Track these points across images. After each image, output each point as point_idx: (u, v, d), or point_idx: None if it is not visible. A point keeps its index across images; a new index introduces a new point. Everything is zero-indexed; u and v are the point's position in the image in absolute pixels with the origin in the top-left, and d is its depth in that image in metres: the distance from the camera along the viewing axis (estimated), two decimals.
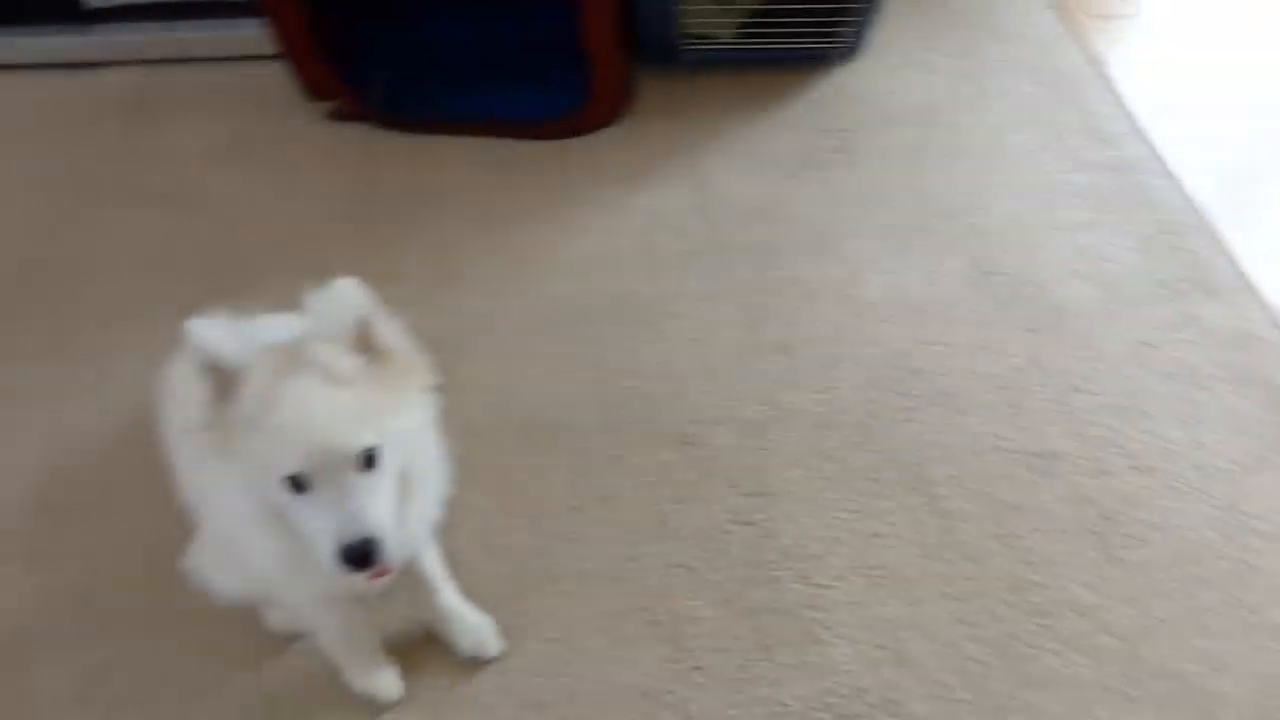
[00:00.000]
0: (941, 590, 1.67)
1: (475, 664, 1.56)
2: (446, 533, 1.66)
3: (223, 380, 1.06)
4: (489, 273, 2.10)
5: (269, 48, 2.43)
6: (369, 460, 1.07)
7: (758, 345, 2.00)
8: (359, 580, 1.11)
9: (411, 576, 1.51)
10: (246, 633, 1.58)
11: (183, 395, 1.33)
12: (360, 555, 1.06)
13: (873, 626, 1.62)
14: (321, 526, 1.06)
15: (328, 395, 1.06)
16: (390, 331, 1.17)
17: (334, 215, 2.19)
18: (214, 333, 1.06)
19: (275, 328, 1.34)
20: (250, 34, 2.43)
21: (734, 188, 2.29)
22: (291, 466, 1.04)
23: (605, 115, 2.38)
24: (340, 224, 2.17)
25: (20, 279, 2.03)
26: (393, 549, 1.08)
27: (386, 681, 1.52)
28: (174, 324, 1.95)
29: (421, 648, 1.57)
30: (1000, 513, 1.76)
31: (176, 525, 1.65)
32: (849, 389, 1.93)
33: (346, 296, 1.12)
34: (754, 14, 2.46)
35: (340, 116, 2.35)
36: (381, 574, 1.11)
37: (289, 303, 2.03)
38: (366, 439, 1.07)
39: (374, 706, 1.51)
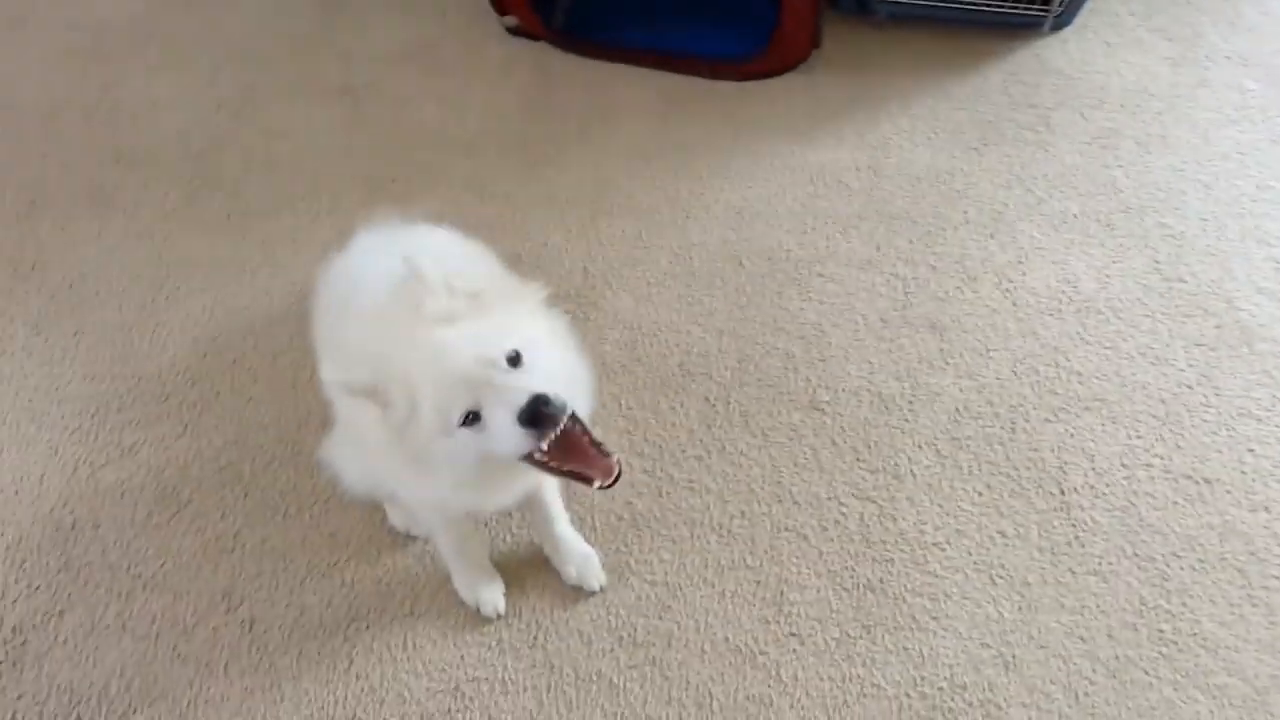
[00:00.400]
0: (1060, 600, 1.59)
1: (578, 594, 1.59)
2: None
3: (377, 395, 1.16)
4: (644, 209, 2.08)
5: None
6: (515, 362, 1.14)
7: (907, 320, 1.92)
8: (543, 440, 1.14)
9: (531, 502, 1.54)
10: (368, 526, 1.66)
11: (336, 292, 1.40)
12: (535, 413, 1.10)
13: (982, 625, 1.57)
14: (498, 423, 1.12)
15: (457, 334, 1.15)
16: (487, 268, 1.29)
17: (500, 130, 2.20)
18: (349, 371, 1.17)
19: (429, 245, 1.41)
20: None
21: (910, 153, 2.19)
22: (462, 403, 1.12)
23: (787, 62, 2.30)
24: (504, 139, 2.19)
25: (203, 157, 2.13)
26: (562, 398, 1.13)
27: (492, 596, 1.57)
28: (337, 218, 2.06)
29: (531, 571, 1.61)
30: (1138, 532, 1.66)
31: (318, 414, 1.74)
32: (996, 379, 1.84)
33: (420, 272, 1.20)
34: None
35: (519, 33, 2.35)
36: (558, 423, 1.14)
37: (447, 211, 2.09)
38: (507, 343, 1.14)
39: (477, 617, 1.56)
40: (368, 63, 2.31)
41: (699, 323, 1.91)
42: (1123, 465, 1.73)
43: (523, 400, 1.10)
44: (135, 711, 1.48)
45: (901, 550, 1.64)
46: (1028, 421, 1.79)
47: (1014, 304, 1.95)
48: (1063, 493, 1.71)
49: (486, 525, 1.65)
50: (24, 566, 1.61)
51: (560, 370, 1.20)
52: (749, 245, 2.03)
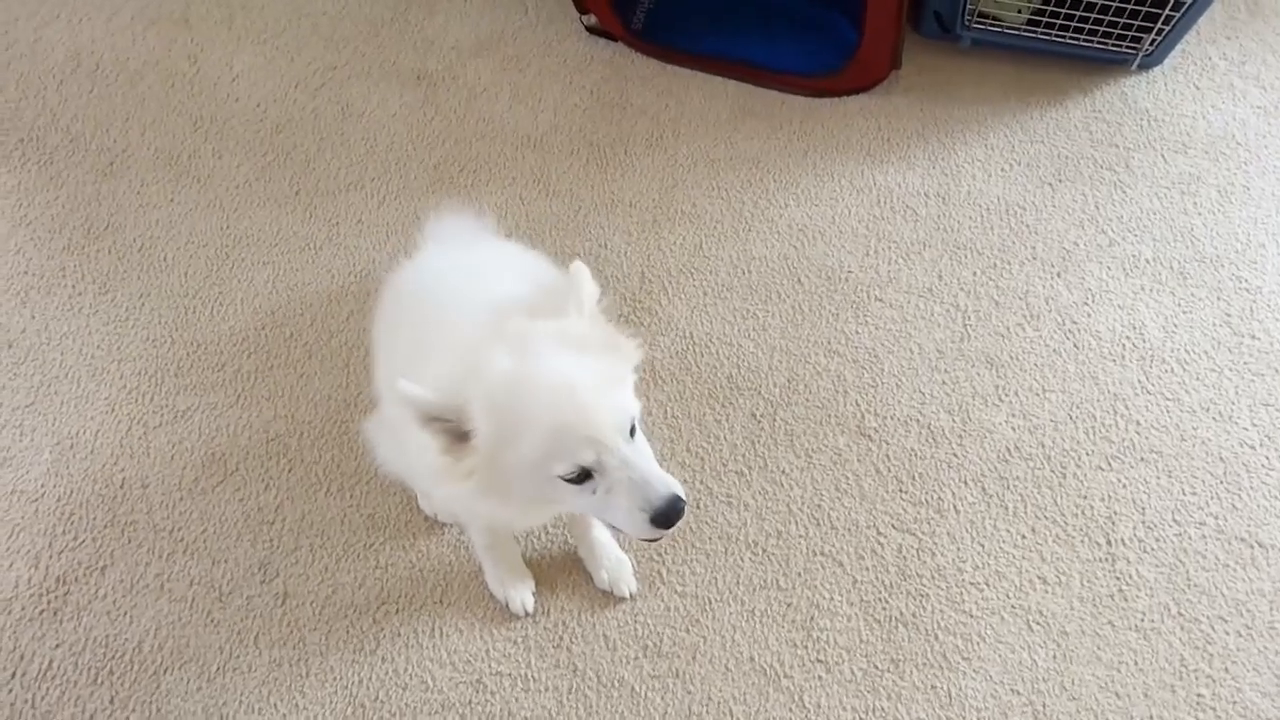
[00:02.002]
0: (1098, 653, 1.55)
1: (608, 599, 1.59)
2: None
3: (449, 426, 1.10)
4: (707, 218, 2.07)
5: None
6: (631, 428, 1.13)
7: (964, 353, 1.89)
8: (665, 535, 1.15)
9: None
10: (405, 511, 1.67)
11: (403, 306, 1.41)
12: (671, 514, 1.11)
13: (1014, 670, 1.54)
14: (625, 504, 1.11)
15: (590, 375, 1.09)
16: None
17: (570, 127, 2.21)
18: (422, 392, 1.07)
19: (502, 262, 1.41)
20: None
21: (982, 183, 2.15)
22: (582, 462, 1.09)
23: (864, 81, 2.27)
24: (573, 137, 2.19)
25: (277, 132, 2.17)
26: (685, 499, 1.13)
27: (521, 593, 1.57)
28: (404, 202, 2.07)
29: (562, 572, 1.62)
30: (1185, 592, 1.61)
31: (367, 395, 1.76)
32: (1051, 421, 1.81)
33: (585, 282, 1.17)
34: (1051, 2, 2.27)
35: (597, 32, 2.35)
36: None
37: (511, 205, 2.10)
38: (632, 408, 1.13)
39: (505, 612, 1.57)
40: (446, 51, 2.33)
41: (752, 337, 1.90)
42: (1174, 521, 1.69)
43: (660, 500, 1.10)
44: (166, 672, 1.51)
45: (938, 587, 1.62)
46: (1079, 467, 1.75)
47: (1076, 346, 1.91)
48: (1109, 544, 1.67)
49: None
50: (72, 519, 1.65)
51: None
52: (809, 264, 2.01)
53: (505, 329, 1.13)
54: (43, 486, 1.68)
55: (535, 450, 1.07)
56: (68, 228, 2.00)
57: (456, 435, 1.10)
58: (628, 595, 1.59)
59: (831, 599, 1.60)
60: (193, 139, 2.15)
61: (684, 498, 1.12)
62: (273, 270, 1.95)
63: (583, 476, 1.10)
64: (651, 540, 1.17)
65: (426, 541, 1.64)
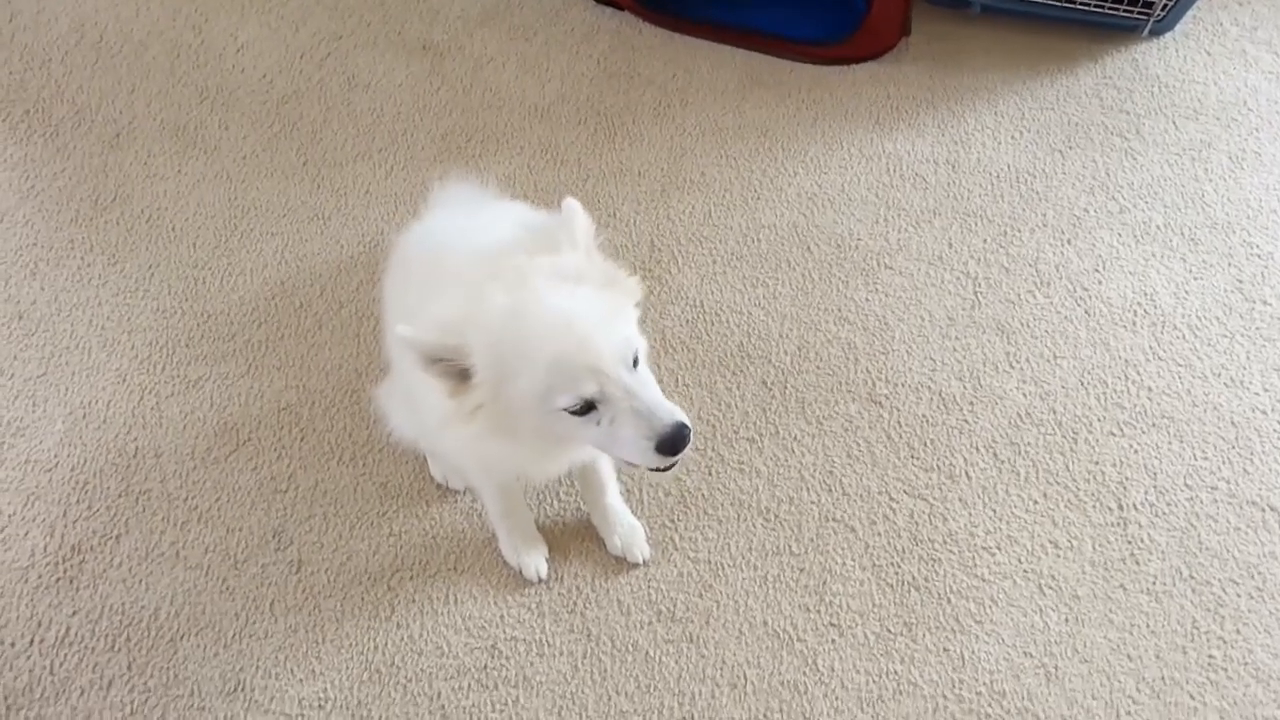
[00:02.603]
0: (1109, 616, 1.56)
1: (621, 565, 1.59)
2: None
3: (450, 367, 1.11)
4: (716, 187, 2.06)
5: None
6: (635, 362, 1.13)
7: (975, 320, 1.89)
8: (671, 464, 1.15)
9: (582, 471, 1.54)
10: (418, 479, 1.67)
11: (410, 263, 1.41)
12: (677, 440, 1.10)
13: (1026, 633, 1.54)
14: (630, 434, 1.11)
15: (588, 306, 1.10)
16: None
17: (577, 98, 2.20)
18: (429, 330, 1.10)
19: (518, 219, 1.39)
20: None
21: (992, 150, 2.14)
22: (584, 393, 1.09)
23: (874, 49, 2.26)
24: (581, 107, 2.18)
25: (284, 103, 2.16)
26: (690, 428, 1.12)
27: (535, 559, 1.58)
28: (411, 172, 2.07)
29: (575, 538, 1.62)
30: (1196, 555, 1.62)
31: (377, 364, 1.76)
32: (1062, 387, 1.81)
33: (577, 216, 1.18)
34: None
35: (604, 1, 2.34)
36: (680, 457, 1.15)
37: (519, 175, 2.09)
38: (635, 340, 1.13)
39: (519, 578, 1.58)
40: (452, 21, 2.32)
41: (762, 305, 1.90)
42: (1186, 486, 1.69)
43: (665, 427, 1.10)
44: (183, 638, 1.51)
45: (950, 551, 1.62)
46: (1090, 433, 1.75)
47: (1087, 313, 1.90)
48: (1121, 508, 1.67)
49: (534, 491, 1.66)
50: (86, 488, 1.65)
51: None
52: (819, 232, 2.00)
53: (501, 267, 1.14)
54: (56, 456, 1.69)
55: (537, 383, 1.08)
56: (75, 199, 2.00)
57: (459, 375, 1.11)
58: (640, 561, 1.59)
59: (844, 564, 1.61)
60: (199, 110, 2.14)
61: (689, 425, 1.12)
62: (281, 241, 1.95)
63: (587, 408, 1.10)
64: (661, 470, 1.16)
65: (440, 509, 1.65)
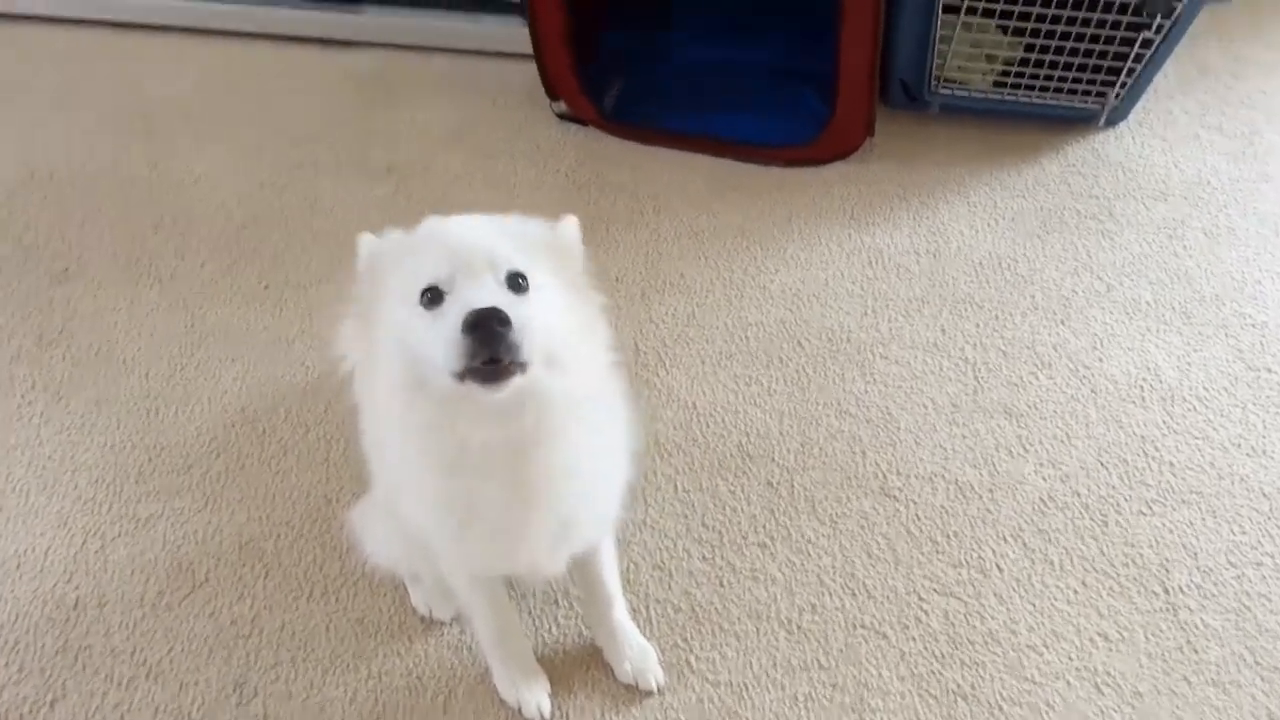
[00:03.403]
0: (1178, 714, 1.41)
1: (633, 695, 1.41)
2: (618, 549, 1.56)
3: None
4: (696, 288, 2.00)
5: (508, 45, 2.48)
6: (516, 284, 0.96)
7: (979, 405, 1.80)
8: (483, 385, 0.92)
9: (585, 580, 1.39)
10: (399, 611, 1.50)
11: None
12: (481, 323, 0.88)
13: None
14: (450, 320, 0.91)
15: (489, 221, 1.02)
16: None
17: (548, 210, 2.09)
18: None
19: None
20: (491, 30, 2.48)
21: (970, 239, 2.12)
22: (433, 272, 0.94)
23: (839, 149, 2.26)
24: (552, 219, 2.12)
25: (244, 229, 2.07)
26: (523, 348, 0.91)
27: (535, 695, 1.39)
28: None
29: (578, 667, 1.45)
30: (1256, 637, 1.48)
31: (347, 489, 1.62)
32: (1081, 468, 1.71)
33: (571, 231, 1.10)
34: (1015, 64, 2.30)
35: (568, 118, 2.33)
36: (505, 374, 0.91)
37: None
38: (516, 260, 0.97)
39: (518, 718, 1.39)
40: (414, 143, 2.28)
41: (758, 403, 1.79)
42: (1230, 564, 1.58)
43: (480, 303, 0.90)
44: None
45: (993, 653, 1.47)
46: (1119, 514, 1.64)
47: (1093, 391, 1.83)
48: (1167, 592, 1.55)
49: (529, 612, 1.49)
50: (16, 648, 1.45)
51: (565, 349, 0.99)
52: (807, 326, 1.93)
53: None
54: None
55: (404, 269, 0.97)
56: (16, 336, 1.86)
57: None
58: (654, 688, 1.42)
59: (880, 675, 1.45)
60: (153, 240, 2.04)
61: (514, 324, 0.89)
62: (242, 366, 1.82)
63: (435, 298, 0.94)
64: (463, 373, 0.91)
65: (424, 643, 1.47)
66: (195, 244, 2.04)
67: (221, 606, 1.50)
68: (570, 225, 1.10)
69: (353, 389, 1.33)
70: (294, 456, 1.69)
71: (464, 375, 0.91)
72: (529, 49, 2.43)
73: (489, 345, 0.88)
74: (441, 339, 0.91)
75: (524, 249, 0.99)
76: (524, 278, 0.97)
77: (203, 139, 2.28)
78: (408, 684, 1.43)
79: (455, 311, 0.90)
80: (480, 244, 0.97)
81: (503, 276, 0.95)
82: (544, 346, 0.93)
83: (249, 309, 1.92)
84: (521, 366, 0.91)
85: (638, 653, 1.43)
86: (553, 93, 2.26)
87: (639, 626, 1.48)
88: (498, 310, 0.89)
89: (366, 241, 1.06)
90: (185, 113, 2.34)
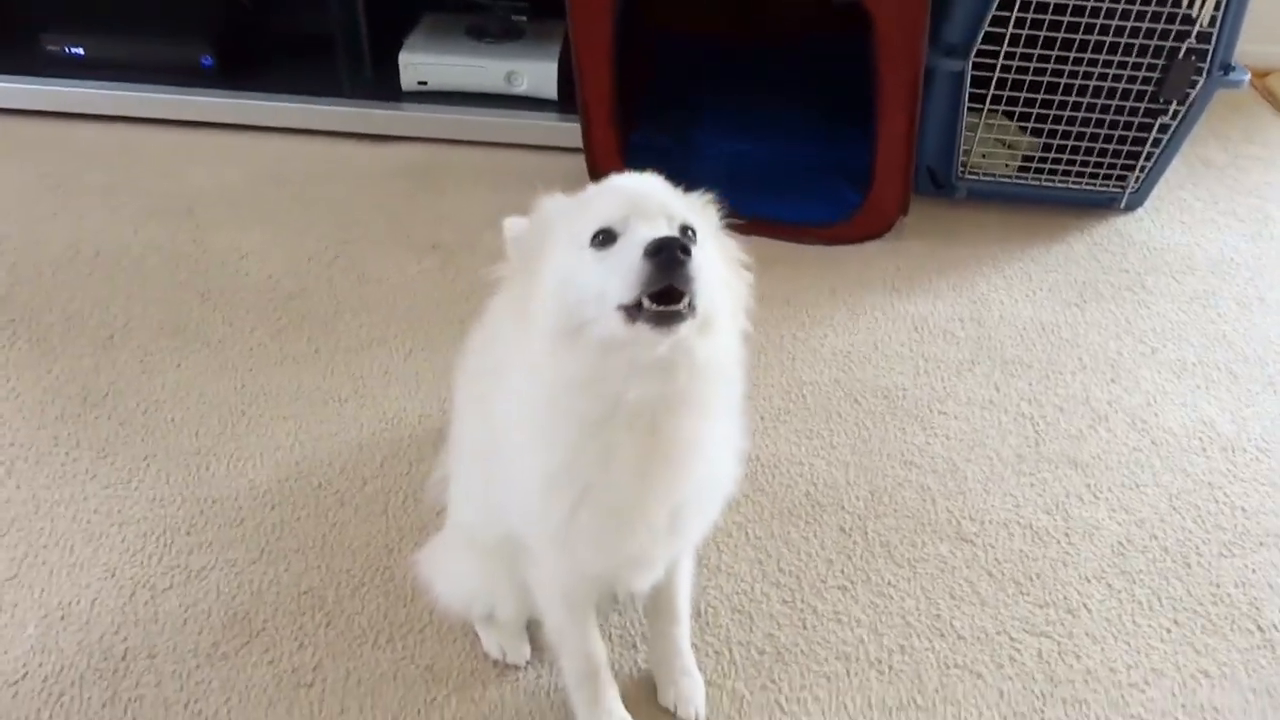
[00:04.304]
0: None
1: None
2: (694, 593, 1.50)
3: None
4: (749, 350, 1.98)
5: (545, 139, 2.57)
6: (686, 234, 0.96)
7: (1043, 456, 1.79)
8: (654, 327, 0.89)
9: (659, 599, 1.33)
10: (471, 657, 1.42)
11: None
12: (665, 247, 0.87)
13: None
14: (629, 250, 0.90)
15: (660, 180, 1.02)
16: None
17: None
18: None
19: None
20: (529, 124, 2.57)
21: (1011, 307, 2.15)
22: (607, 215, 0.94)
23: (878, 226, 2.32)
24: None
25: (292, 299, 2.07)
26: (697, 285, 0.89)
27: None
28: (431, 355, 1.96)
29: (664, 713, 1.36)
30: None
31: (409, 539, 1.56)
32: (1154, 513, 1.68)
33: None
34: (1037, 153, 2.41)
35: None
36: (675, 318, 0.89)
37: None
38: (689, 214, 0.99)
39: None
40: (458, 224, 2.32)
41: (821, 455, 1.77)
42: None
43: (659, 240, 0.89)
44: None
45: (1094, 691, 1.41)
46: (1200, 556, 1.61)
47: (1153, 443, 1.83)
48: (1261, 630, 1.50)
49: (609, 655, 1.41)
50: (62, 700, 1.35)
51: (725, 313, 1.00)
52: (862, 385, 1.93)
53: None
54: (25, 666, 1.39)
55: (578, 215, 0.97)
56: (61, 398, 1.82)
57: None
58: (694, 718, 1.34)
59: (980, 714, 1.37)
60: (200, 310, 2.03)
61: (690, 263, 0.88)
62: (294, 424, 1.78)
63: (606, 239, 0.93)
64: (635, 310, 0.89)
65: (499, 689, 1.38)
66: (243, 313, 2.03)
67: (281, 655, 1.42)
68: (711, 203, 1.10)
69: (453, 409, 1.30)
70: (351, 509, 1.63)
71: (636, 314, 0.89)
72: (566, 142, 2.53)
73: (669, 272, 0.87)
74: (618, 269, 0.90)
75: (691, 209, 1.02)
76: (694, 230, 0.98)
77: (248, 222, 2.31)
78: None
79: (633, 243, 0.90)
80: (655, 193, 0.99)
81: (676, 226, 0.96)
82: (704, 303, 0.93)
83: (299, 371, 1.90)
84: (692, 311, 0.90)
85: (687, 681, 1.36)
86: (596, 174, 2.33)
87: (723, 668, 1.41)
88: (679, 239, 0.90)
89: (513, 223, 1.06)
90: (231, 200, 2.38)
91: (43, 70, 2.64)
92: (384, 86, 2.65)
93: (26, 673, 1.38)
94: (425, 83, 2.62)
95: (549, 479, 1.04)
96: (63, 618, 1.46)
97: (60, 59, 2.67)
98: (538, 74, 2.58)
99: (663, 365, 0.95)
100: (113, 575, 1.52)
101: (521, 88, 2.60)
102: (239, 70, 2.69)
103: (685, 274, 0.88)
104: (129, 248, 2.20)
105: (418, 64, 2.60)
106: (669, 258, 0.87)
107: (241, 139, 2.60)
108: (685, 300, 0.89)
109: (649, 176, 1.03)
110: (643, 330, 0.90)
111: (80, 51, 2.66)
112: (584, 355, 0.95)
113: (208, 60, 2.67)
